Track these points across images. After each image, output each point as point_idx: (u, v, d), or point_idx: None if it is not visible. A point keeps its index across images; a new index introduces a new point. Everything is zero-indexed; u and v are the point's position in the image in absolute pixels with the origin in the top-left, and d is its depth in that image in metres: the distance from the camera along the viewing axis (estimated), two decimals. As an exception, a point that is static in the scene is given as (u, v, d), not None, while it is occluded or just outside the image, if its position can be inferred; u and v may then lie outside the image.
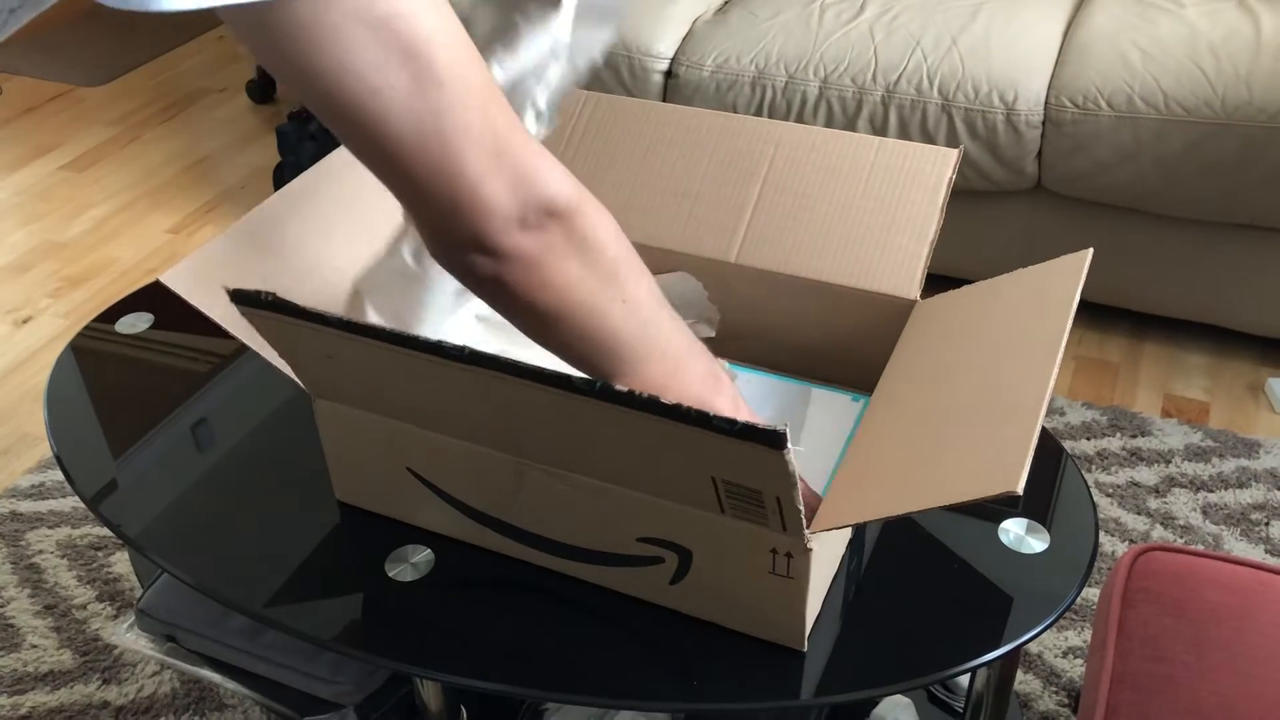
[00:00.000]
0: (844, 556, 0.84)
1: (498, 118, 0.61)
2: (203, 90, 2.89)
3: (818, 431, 0.89)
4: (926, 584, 0.82)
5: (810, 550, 0.69)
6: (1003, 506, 0.88)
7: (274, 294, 0.70)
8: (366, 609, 0.82)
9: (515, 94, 0.85)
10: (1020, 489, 0.59)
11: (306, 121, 2.19)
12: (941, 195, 0.90)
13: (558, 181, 0.64)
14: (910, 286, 0.89)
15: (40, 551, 1.51)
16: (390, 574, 0.84)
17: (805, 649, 0.76)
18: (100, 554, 1.50)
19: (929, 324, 0.86)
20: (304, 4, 0.53)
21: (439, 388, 0.73)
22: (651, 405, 0.62)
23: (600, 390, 0.63)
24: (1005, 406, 0.68)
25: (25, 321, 2.04)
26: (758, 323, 0.96)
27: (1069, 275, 0.76)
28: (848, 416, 0.90)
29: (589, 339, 0.70)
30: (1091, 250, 0.78)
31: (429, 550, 0.85)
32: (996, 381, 0.72)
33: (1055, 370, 0.67)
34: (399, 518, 0.88)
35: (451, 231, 0.64)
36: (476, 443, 0.78)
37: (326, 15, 0.53)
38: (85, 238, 2.29)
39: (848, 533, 0.83)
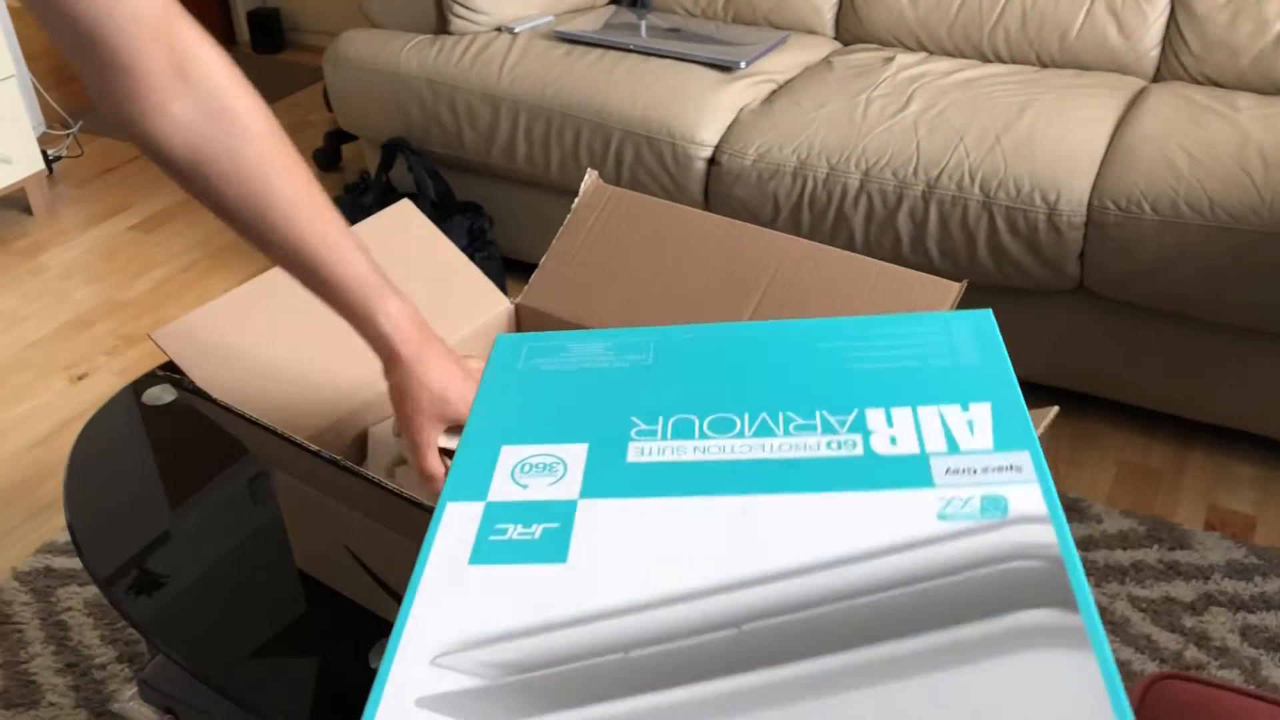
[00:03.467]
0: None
1: None
2: (272, 156, 2.99)
3: None
4: None
5: None
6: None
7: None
8: (350, 700, 0.83)
9: None
10: None
11: (362, 194, 2.25)
12: None
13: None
14: None
15: (68, 609, 1.54)
16: (373, 665, 0.84)
17: None
18: (126, 614, 1.53)
19: None
20: None
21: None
22: None
23: None
24: None
25: (81, 378, 2.10)
26: None
27: None
28: None
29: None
30: (1056, 409, 0.76)
31: (414, 644, 0.86)
32: None
33: None
34: (343, 591, 0.90)
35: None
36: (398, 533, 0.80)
37: None
38: (146, 298, 2.36)
39: None
